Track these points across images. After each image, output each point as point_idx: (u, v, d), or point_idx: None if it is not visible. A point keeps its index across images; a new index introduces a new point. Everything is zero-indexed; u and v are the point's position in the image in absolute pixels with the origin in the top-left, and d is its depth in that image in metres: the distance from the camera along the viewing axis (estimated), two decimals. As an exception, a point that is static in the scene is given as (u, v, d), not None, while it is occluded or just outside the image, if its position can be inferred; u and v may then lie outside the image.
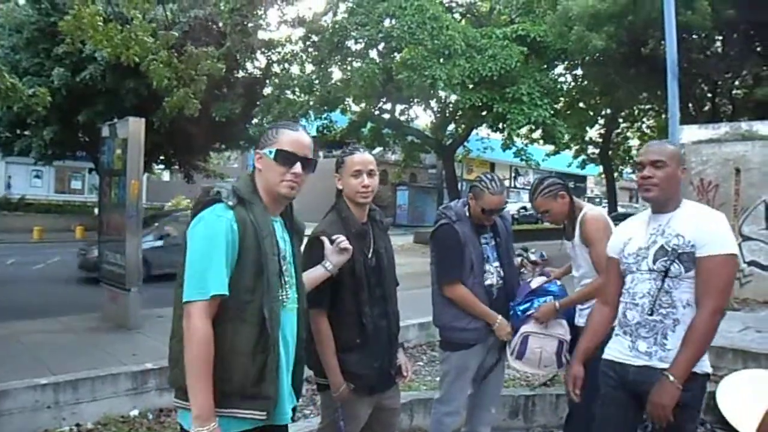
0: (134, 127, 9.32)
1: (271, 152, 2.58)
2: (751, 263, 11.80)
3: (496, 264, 4.26)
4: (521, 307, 4.20)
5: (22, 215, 32.44)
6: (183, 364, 2.32)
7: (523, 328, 4.19)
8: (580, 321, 4.14)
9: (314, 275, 3.10)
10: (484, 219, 4.19)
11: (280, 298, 2.54)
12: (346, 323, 3.29)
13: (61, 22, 11.56)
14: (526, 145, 27.06)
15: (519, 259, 4.61)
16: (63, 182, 41.73)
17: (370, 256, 3.43)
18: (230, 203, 2.45)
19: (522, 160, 25.78)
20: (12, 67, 20.62)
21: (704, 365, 3.03)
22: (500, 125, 24.48)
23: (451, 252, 4.14)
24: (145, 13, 12.91)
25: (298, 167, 2.57)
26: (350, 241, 3.20)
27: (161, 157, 31.25)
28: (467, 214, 4.23)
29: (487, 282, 4.19)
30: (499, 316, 4.15)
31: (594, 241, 3.96)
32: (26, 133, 26.31)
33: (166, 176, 49.23)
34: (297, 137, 2.62)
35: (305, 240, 3.11)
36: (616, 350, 3.21)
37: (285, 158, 2.57)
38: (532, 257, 4.65)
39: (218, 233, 2.39)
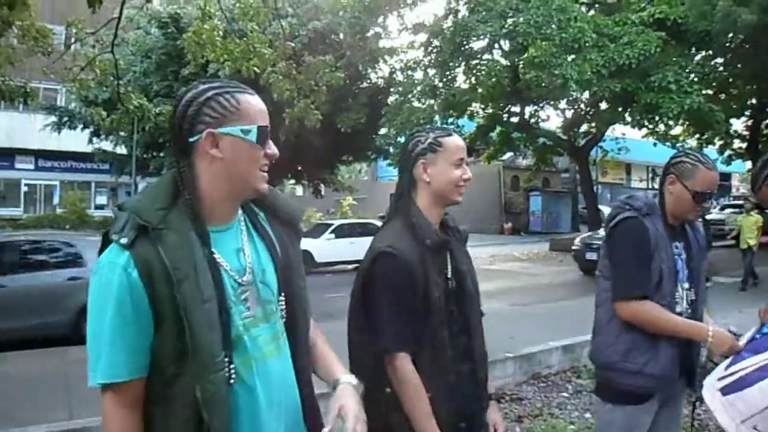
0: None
1: (248, 131, 1.75)
2: None
3: (687, 285, 3.04)
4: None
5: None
6: None
7: None
8: None
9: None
10: (689, 212, 3.04)
11: (257, 341, 1.77)
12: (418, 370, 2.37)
13: (183, 39, 12.12)
14: (668, 139, 25.49)
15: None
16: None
17: (450, 276, 2.53)
18: (123, 241, 1.63)
19: (681, 151, 24.29)
20: (143, 90, 21.41)
21: None
22: (647, 118, 23.10)
23: (638, 256, 2.93)
24: (265, 29, 13.09)
25: (273, 145, 1.82)
26: (424, 258, 2.36)
27: (290, 172, 31.56)
28: (660, 209, 3.07)
29: (677, 309, 2.96)
30: (711, 327, 2.86)
31: None
32: (161, 154, 27.17)
33: (299, 191, 50.12)
34: (260, 103, 1.81)
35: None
36: None
37: (265, 137, 1.79)
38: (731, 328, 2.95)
39: (107, 294, 1.62)
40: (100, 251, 1.69)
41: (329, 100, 17.38)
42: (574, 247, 18.85)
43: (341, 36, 25.05)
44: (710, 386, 2.69)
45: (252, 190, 1.81)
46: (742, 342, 2.73)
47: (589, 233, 20.53)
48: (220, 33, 11.43)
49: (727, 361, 2.69)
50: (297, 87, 12.61)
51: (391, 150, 26.59)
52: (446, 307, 2.44)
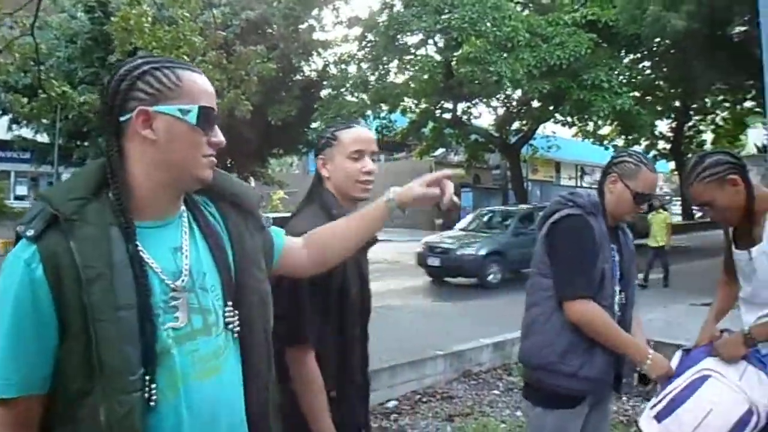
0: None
1: (186, 110, 1.51)
2: None
3: (618, 288, 2.96)
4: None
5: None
6: None
7: (705, 364, 2.71)
8: None
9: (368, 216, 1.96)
10: (627, 213, 2.96)
11: (191, 357, 1.51)
12: (322, 369, 2.28)
13: (110, 24, 11.89)
14: (596, 139, 26.17)
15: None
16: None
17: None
18: (29, 233, 1.41)
19: (606, 149, 24.90)
20: (67, 76, 20.77)
21: None
22: (576, 117, 23.60)
23: (585, 254, 2.82)
24: (196, 17, 12.91)
25: (219, 133, 1.60)
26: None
27: (219, 165, 31.15)
28: (602, 208, 2.98)
29: (616, 310, 2.93)
30: (651, 350, 2.84)
31: None
32: (85, 144, 26.38)
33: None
34: (206, 82, 1.59)
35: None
36: None
37: (208, 119, 1.55)
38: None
39: (6, 293, 1.39)
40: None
41: (261, 91, 17.20)
42: (418, 250, 16.48)
43: (275, 27, 24.75)
44: (646, 417, 2.75)
45: (193, 179, 1.56)
46: (675, 362, 2.79)
47: (438, 234, 18.88)
48: (149, 19, 11.12)
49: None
50: (228, 77, 12.50)
51: (323, 144, 26.40)
52: (360, 309, 2.40)
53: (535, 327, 2.92)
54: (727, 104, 29.75)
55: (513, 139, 30.09)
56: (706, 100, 29.17)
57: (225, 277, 1.63)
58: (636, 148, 30.96)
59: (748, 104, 27.94)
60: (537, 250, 3.02)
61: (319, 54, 26.58)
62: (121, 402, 1.37)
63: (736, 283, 3.06)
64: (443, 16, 21.85)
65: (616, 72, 21.73)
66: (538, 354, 2.89)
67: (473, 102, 28.25)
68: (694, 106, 31.20)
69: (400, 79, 25.62)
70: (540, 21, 21.64)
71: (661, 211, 15.20)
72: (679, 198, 36.65)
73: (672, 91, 27.16)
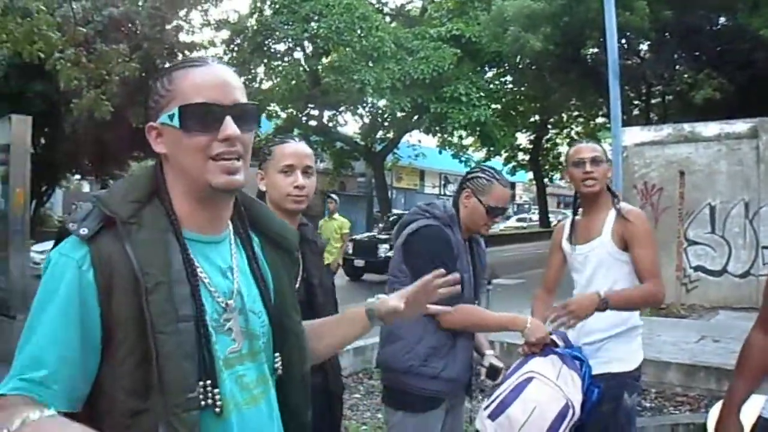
0: (18, 128, 8.33)
1: (172, 115, 1.37)
2: (697, 268, 11.58)
3: (472, 297, 3.15)
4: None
5: None
6: None
7: (528, 367, 2.98)
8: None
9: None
10: (481, 226, 3.12)
11: (241, 382, 1.43)
12: None
13: None
14: (459, 150, 26.95)
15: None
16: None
17: (296, 287, 2.48)
18: (82, 232, 1.30)
19: (461, 161, 25.62)
20: None
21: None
22: (436, 128, 24.32)
23: (444, 262, 2.72)
24: (53, 11, 12.18)
25: (229, 126, 1.37)
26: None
27: (75, 167, 29.81)
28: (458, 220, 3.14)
29: None
30: (528, 317, 3.08)
31: (647, 242, 3.20)
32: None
33: (86, 187, 47.49)
34: (203, 74, 1.41)
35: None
36: None
37: (200, 117, 1.37)
38: (494, 361, 3.19)
39: (53, 289, 1.28)
40: (54, 247, 1.35)
41: (122, 92, 16.61)
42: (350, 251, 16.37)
43: (139, 26, 24.03)
44: (480, 417, 3.03)
45: (207, 187, 1.39)
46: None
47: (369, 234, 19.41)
48: (-1, 9, 10.44)
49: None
50: (87, 76, 11.80)
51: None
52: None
53: (397, 333, 3.00)
54: (581, 119, 31.25)
55: (378, 148, 30.46)
56: (563, 114, 30.59)
57: (272, 305, 1.55)
58: (497, 158, 32.29)
59: (600, 120, 29.56)
60: (394, 258, 3.14)
61: (184, 55, 26.04)
62: (182, 420, 1.28)
63: (554, 295, 3.52)
64: (311, 24, 21.94)
65: (477, 86, 22.48)
66: (401, 359, 2.98)
67: (339, 110, 28.46)
68: (552, 120, 32.67)
69: (266, 84, 25.48)
70: (407, 34, 22.14)
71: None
72: (537, 206, 38.33)
73: (532, 105, 28.36)
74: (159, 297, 1.28)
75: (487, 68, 25.15)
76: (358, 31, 20.63)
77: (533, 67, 20.49)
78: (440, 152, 25.85)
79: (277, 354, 1.54)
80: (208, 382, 1.31)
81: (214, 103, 1.36)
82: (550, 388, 2.88)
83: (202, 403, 1.30)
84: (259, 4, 24.47)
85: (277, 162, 2.52)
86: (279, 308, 1.57)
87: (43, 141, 20.82)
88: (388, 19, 26.38)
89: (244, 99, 1.43)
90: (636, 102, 21.79)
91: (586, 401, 2.93)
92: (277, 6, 22.94)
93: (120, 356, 1.28)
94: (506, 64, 24.10)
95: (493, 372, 3.12)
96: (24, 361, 1.24)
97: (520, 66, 22.32)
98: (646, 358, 3.41)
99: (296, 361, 1.59)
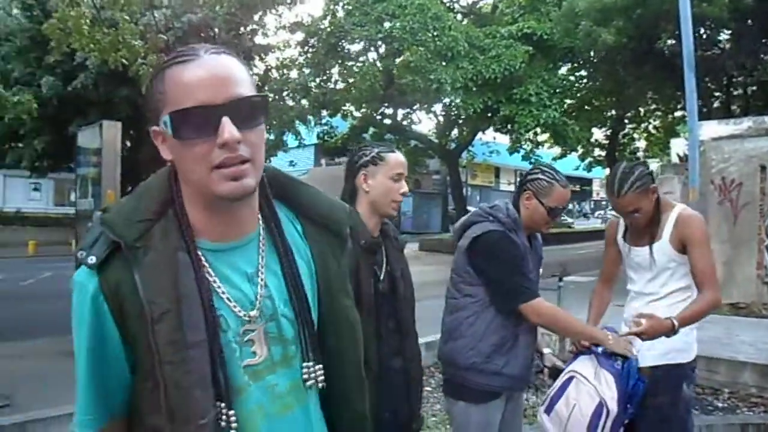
0: (109, 133, 8.73)
1: (165, 122, 1.26)
2: (778, 266, 11.10)
3: None
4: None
5: (18, 229, 31.63)
6: None
7: (571, 367, 3.15)
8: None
9: None
10: (542, 226, 3.22)
11: (272, 392, 1.38)
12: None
13: (45, 24, 11.32)
14: (532, 149, 26.73)
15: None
16: (62, 195, 40.51)
17: (381, 278, 2.71)
18: (90, 261, 1.26)
19: (531, 163, 25.43)
20: (2, 76, 20.10)
21: None
22: (507, 128, 24.11)
23: (518, 263, 3.06)
24: (136, 20, 12.66)
25: (226, 130, 1.22)
26: (357, 258, 2.44)
27: (158, 169, 30.66)
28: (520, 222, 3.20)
29: None
30: (610, 333, 3.14)
31: (703, 245, 3.24)
32: (20, 145, 25.68)
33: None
34: (197, 71, 1.25)
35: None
36: None
37: (192, 123, 1.24)
38: (556, 362, 3.46)
39: (80, 323, 1.29)
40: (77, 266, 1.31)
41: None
42: None
43: (216, 31, 24.58)
44: (540, 411, 3.26)
45: (212, 197, 1.28)
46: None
47: None
48: (88, 21, 10.87)
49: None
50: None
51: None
52: (376, 306, 2.62)
53: (460, 330, 3.14)
54: (658, 113, 30.53)
55: (452, 146, 30.42)
56: (640, 109, 29.94)
57: (319, 294, 1.49)
58: (572, 154, 31.83)
59: (678, 113, 28.78)
60: (457, 259, 3.23)
61: (261, 58, 26.47)
62: None
63: (612, 288, 3.65)
64: (385, 25, 22.08)
65: (548, 84, 22.32)
66: (464, 355, 3.11)
67: (413, 108, 28.57)
68: (628, 114, 32.04)
69: (341, 85, 25.72)
70: (478, 33, 22.05)
71: None
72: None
73: (607, 100, 27.84)
74: (166, 326, 1.24)
75: (563, 62, 24.86)
76: (432, 31, 20.64)
77: (606, 62, 20.13)
78: (510, 154, 25.71)
79: (311, 363, 1.43)
80: (223, 405, 1.28)
81: (205, 105, 1.23)
82: (586, 387, 3.04)
83: (221, 424, 1.27)
84: (332, 7, 24.78)
85: (391, 169, 2.73)
86: (326, 294, 1.50)
87: (128, 144, 21.52)
88: (459, 17, 26.32)
89: (245, 91, 1.28)
90: (717, 94, 21.15)
91: (633, 396, 3.03)
92: (350, 8, 23.21)
93: (139, 378, 1.31)
94: (579, 60, 23.78)
95: (556, 373, 3.29)
96: (79, 408, 1.36)
97: (595, 60, 21.97)
98: (721, 357, 3.52)
99: (348, 347, 1.53)
